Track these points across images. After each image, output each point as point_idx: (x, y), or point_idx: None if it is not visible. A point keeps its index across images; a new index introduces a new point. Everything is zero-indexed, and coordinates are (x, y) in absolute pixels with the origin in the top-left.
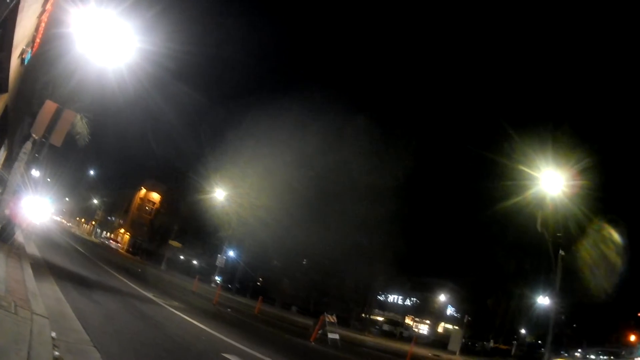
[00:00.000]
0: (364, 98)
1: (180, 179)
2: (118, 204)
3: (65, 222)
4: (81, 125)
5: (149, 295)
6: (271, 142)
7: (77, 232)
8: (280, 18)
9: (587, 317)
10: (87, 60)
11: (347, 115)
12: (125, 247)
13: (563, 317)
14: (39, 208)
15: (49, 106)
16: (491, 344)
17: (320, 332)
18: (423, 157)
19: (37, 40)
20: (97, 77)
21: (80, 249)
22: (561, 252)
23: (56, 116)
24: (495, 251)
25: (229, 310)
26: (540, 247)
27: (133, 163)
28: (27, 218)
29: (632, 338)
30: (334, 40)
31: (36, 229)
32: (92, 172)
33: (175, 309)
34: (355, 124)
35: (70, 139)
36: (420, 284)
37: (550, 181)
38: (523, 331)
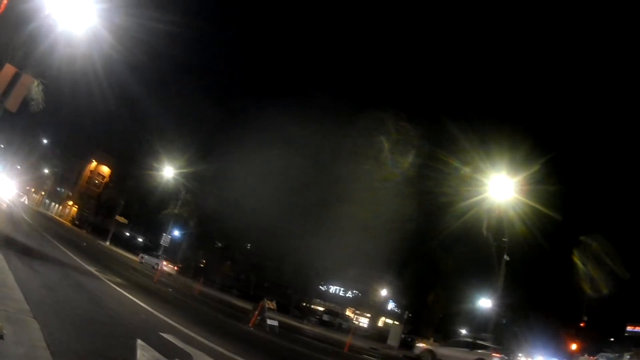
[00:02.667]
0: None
1: (131, 155)
2: (68, 175)
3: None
4: (37, 91)
5: (91, 269)
6: (237, 129)
7: (26, 202)
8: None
9: (529, 322)
10: (51, 25)
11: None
12: (71, 220)
13: (504, 321)
14: (5, 184)
15: (8, 70)
16: (431, 341)
17: (259, 317)
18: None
19: (5, 2)
20: (60, 43)
21: (28, 220)
22: (505, 257)
23: (14, 80)
24: (440, 250)
25: (169, 289)
26: (487, 250)
27: (86, 134)
28: None
29: (574, 347)
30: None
31: None
32: (45, 141)
33: (116, 285)
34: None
35: (25, 104)
36: (362, 277)
37: (498, 187)
38: (464, 331)
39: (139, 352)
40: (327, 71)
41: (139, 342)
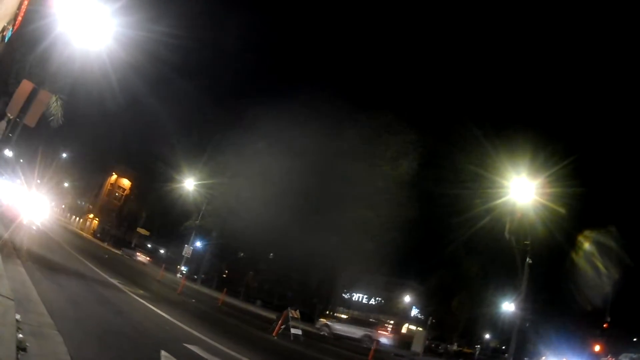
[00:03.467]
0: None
1: (151, 167)
2: (88, 188)
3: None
4: (56, 107)
5: (114, 281)
6: (253, 137)
7: (46, 216)
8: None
9: (552, 325)
10: (66, 41)
11: (315, 114)
12: (92, 232)
13: (528, 324)
14: (37, 204)
15: (25, 86)
16: (455, 346)
17: (283, 327)
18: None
19: (19, 18)
20: (75, 59)
21: (49, 233)
22: (528, 260)
23: (32, 96)
24: (461, 255)
25: (193, 300)
26: (508, 253)
27: (106, 147)
28: (23, 216)
29: (597, 348)
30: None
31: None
32: (64, 155)
33: (140, 297)
34: (326, 123)
35: (44, 119)
36: (385, 284)
37: (520, 190)
38: (487, 336)
39: None
40: (337, 72)
41: (164, 353)
